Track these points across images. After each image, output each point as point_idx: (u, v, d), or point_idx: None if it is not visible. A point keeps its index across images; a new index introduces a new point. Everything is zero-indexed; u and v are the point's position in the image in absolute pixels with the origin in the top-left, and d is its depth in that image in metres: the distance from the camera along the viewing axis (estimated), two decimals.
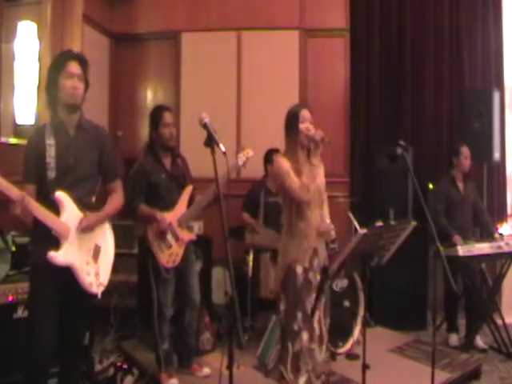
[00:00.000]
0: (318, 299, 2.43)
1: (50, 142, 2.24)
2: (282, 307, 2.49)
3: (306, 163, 2.52)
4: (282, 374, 2.45)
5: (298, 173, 2.46)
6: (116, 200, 2.47)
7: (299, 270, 2.46)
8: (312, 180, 2.46)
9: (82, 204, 2.30)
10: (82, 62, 2.33)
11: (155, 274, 3.03)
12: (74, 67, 2.27)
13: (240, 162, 3.21)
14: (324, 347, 2.56)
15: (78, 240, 2.25)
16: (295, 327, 2.43)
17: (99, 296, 2.31)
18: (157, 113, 3.15)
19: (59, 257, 2.16)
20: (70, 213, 2.24)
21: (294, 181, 2.43)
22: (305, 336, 2.43)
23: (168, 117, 3.14)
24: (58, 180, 2.23)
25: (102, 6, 4.93)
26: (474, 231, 4.19)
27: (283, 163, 2.48)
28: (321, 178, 2.58)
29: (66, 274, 2.21)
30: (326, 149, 2.52)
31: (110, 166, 2.46)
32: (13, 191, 2.02)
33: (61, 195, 2.21)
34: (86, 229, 2.27)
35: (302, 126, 2.50)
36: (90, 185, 2.38)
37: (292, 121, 2.53)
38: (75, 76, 2.27)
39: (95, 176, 2.41)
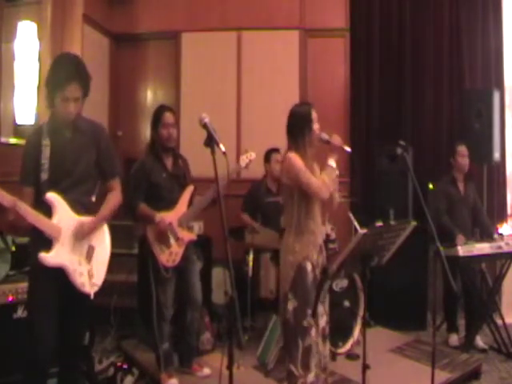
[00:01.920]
0: (318, 298, 2.45)
1: (46, 142, 2.24)
2: (290, 306, 2.48)
3: (314, 163, 2.55)
4: (290, 371, 2.46)
5: (309, 171, 2.49)
6: (112, 200, 2.44)
7: (309, 267, 2.49)
8: (332, 183, 2.51)
9: (80, 204, 2.29)
10: (83, 80, 2.26)
11: (155, 273, 3.03)
12: (70, 91, 2.20)
13: (243, 164, 3.22)
14: (327, 342, 2.60)
15: (70, 241, 2.24)
16: (305, 324, 2.45)
17: (92, 296, 2.30)
18: (157, 113, 3.14)
19: (49, 258, 2.16)
20: (63, 214, 2.23)
21: (312, 178, 2.46)
22: (313, 332, 2.46)
23: (168, 117, 3.11)
24: (53, 182, 2.22)
25: (102, 6, 4.93)
26: (473, 231, 4.19)
27: (297, 160, 2.49)
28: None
29: (64, 274, 2.21)
30: (325, 148, 2.55)
31: (108, 164, 2.43)
32: (5, 198, 2.02)
33: (52, 196, 2.20)
34: (84, 236, 2.28)
35: (315, 127, 2.52)
36: (89, 185, 2.36)
37: (304, 120, 2.53)
38: (71, 100, 2.21)
39: (94, 176, 2.39)
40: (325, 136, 2.53)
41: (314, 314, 2.47)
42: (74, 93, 2.22)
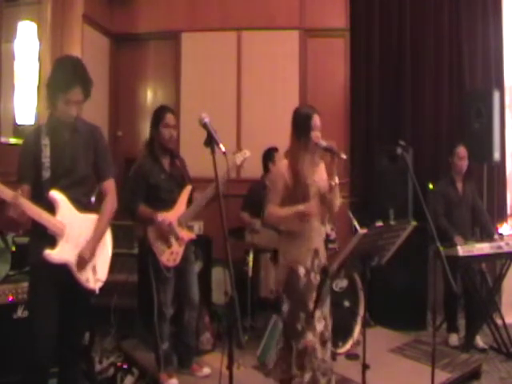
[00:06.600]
0: (318, 299, 2.44)
1: (46, 142, 2.25)
2: (285, 308, 2.49)
3: (308, 165, 2.53)
4: (284, 372, 2.45)
5: (296, 174, 2.47)
6: (108, 207, 2.42)
7: (301, 271, 2.47)
8: (313, 182, 2.51)
9: (80, 204, 2.30)
10: (85, 85, 2.28)
11: (156, 273, 3.03)
12: (73, 95, 2.23)
13: (238, 162, 3.20)
14: (328, 347, 2.57)
15: (74, 238, 2.25)
16: (299, 327, 2.44)
17: (97, 291, 2.32)
18: (159, 112, 3.15)
19: (54, 255, 2.17)
20: (66, 211, 2.24)
21: (272, 203, 2.52)
22: (309, 336, 2.44)
23: (169, 118, 3.12)
24: (53, 180, 2.23)
25: (102, 6, 4.93)
26: (473, 231, 4.19)
27: (279, 174, 2.53)
28: (321, 178, 2.58)
29: (66, 273, 2.21)
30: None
31: (102, 164, 2.44)
32: (6, 192, 2.03)
33: (55, 194, 2.22)
34: (91, 259, 2.28)
35: (313, 134, 2.50)
36: (88, 185, 2.38)
37: (303, 123, 2.52)
38: (73, 103, 2.25)
39: (92, 177, 2.41)
40: (322, 143, 2.50)
41: (313, 315, 2.46)
42: (76, 96, 2.25)
